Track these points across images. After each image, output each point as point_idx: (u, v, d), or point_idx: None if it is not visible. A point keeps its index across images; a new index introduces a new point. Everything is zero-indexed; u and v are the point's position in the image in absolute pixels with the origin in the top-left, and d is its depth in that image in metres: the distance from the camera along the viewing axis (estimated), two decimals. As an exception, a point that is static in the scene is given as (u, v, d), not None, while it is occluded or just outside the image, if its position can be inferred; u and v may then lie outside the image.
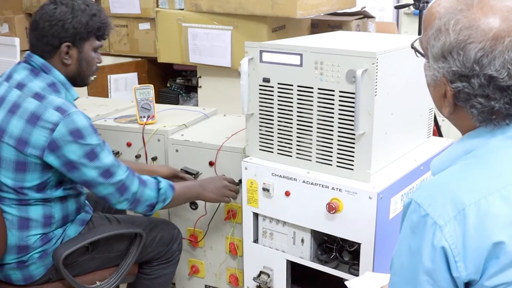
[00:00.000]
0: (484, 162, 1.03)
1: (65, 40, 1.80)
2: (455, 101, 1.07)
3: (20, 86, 1.78)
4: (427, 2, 3.21)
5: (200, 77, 3.37)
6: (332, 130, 1.86)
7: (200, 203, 2.30)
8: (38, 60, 1.82)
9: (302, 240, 1.99)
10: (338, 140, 1.85)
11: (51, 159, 1.72)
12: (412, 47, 1.18)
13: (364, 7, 3.77)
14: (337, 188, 1.84)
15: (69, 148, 1.71)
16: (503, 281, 0.96)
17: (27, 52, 1.87)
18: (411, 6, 3.38)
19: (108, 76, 3.54)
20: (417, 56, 1.17)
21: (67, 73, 1.85)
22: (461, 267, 0.97)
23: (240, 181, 2.10)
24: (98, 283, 1.96)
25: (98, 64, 1.94)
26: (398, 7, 4.35)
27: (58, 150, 1.70)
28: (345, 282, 1.62)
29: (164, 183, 1.93)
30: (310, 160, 1.93)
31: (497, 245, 0.95)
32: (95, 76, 1.99)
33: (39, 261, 1.84)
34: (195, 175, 2.26)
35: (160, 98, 3.64)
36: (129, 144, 2.41)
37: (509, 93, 1.01)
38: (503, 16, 0.99)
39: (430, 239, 0.99)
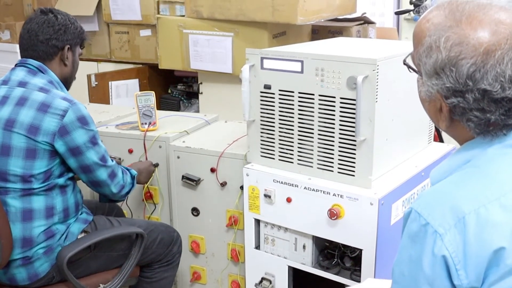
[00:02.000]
0: (483, 171, 1.04)
1: (67, 42, 1.99)
2: (451, 115, 1.08)
3: (22, 84, 1.90)
4: (427, 8, 3.21)
5: (201, 83, 3.38)
6: (333, 137, 1.86)
7: (202, 210, 2.31)
8: (34, 62, 1.95)
9: (304, 246, 1.99)
10: (339, 147, 1.86)
11: (59, 144, 1.83)
12: (405, 63, 1.19)
13: (365, 13, 3.78)
14: (338, 194, 1.84)
15: (77, 133, 1.84)
16: None
17: (20, 59, 1.98)
18: (411, 12, 3.39)
19: (109, 82, 3.54)
20: (410, 72, 1.17)
21: (61, 74, 2.00)
22: (462, 275, 0.97)
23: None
24: (102, 285, 1.99)
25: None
26: (398, 13, 4.36)
27: (67, 135, 1.83)
28: (347, 289, 1.62)
29: (132, 170, 2.13)
30: (312, 167, 1.94)
31: (497, 253, 0.95)
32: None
33: (44, 256, 1.87)
34: (197, 181, 2.26)
35: (161, 104, 3.65)
36: (130, 151, 2.41)
37: (504, 104, 1.01)
38: (492, 29, 1.00)
39: (431, 248, 0.99)
